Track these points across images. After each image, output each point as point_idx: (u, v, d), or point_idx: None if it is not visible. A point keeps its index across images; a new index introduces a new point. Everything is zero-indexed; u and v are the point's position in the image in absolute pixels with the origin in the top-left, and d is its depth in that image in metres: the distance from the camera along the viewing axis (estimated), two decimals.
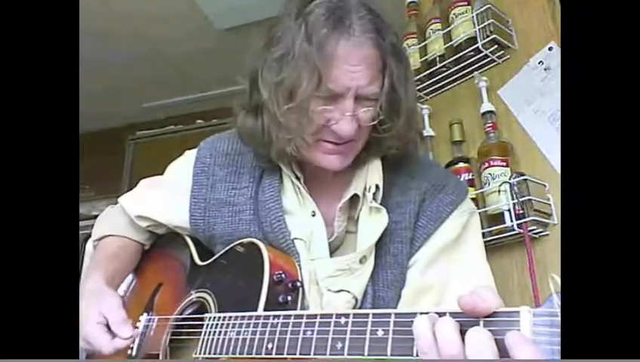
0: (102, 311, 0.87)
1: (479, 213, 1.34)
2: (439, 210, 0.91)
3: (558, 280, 0.48)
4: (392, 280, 0.88)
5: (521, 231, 1.29)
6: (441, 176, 0.97)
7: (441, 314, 0.54)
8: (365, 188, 0.90)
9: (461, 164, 1.47)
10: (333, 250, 0.91)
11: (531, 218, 1.27)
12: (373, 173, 0.91)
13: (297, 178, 0.92)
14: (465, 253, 0.91)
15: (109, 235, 1.07)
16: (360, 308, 0.86)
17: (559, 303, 0.47)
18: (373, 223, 0.88)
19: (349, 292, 0.85)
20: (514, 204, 1.30)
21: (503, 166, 1.37)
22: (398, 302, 0.88)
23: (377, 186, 0.89)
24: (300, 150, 0.87)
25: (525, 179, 1.31)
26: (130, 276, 1.08)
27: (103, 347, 0.84)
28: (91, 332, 0.85)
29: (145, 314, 0.97)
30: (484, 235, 1.30)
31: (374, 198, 0.89)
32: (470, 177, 1.45)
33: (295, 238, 0.88)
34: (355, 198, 0.91)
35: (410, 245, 0.89)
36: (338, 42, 0.80)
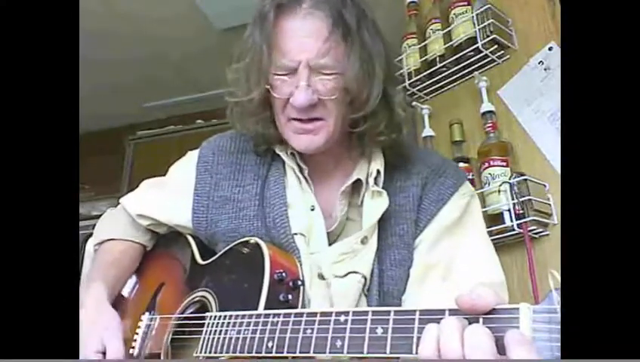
0: (103, 339, 0.87)
1: None
2: (441, 192, 0.93)
3: (558, 276, 0.48)
4: (400, 259, 0.90)
5: (521, 231, 1.30)
6: (441, 162, 0.99)
7: (440, 312, 0.55)
8: (368, 174, 0.93)
9: (461, 164, 1.47)
10: (334, 239, 0.93)
11: (531, 218, 1.28)
12: (375, 160, 0.94)
13: (301, 170, 0.94)
14: (468, 231, 0.93)
15: (110, 239, 1.07)
16: (369, 287, 0.87)
17: (559, 299, 0.47)
18: (374, 205, 0.90)
19: (356, 273, 0.86)
20: (514, 204, 1.30)
21: (503, 166, 1.37)
22: (407, 281, 0.89)
23: (379, 171, 0.92)
24: (280, 132, 0.92)
25: (525, 179, 1.31)
26: (134, 278, 1.08)
27: None
28: (91, 359, 0.86)
29: (147, 314, 0.97)
30: None
31: (376, 183, 0.91)
32: (470, 177, 1.45)
33: (295, 233, 0.89)
34: (357, 184, 0.93)
35: (414, 226, 0.91)
36: (286, 17, 0.85)
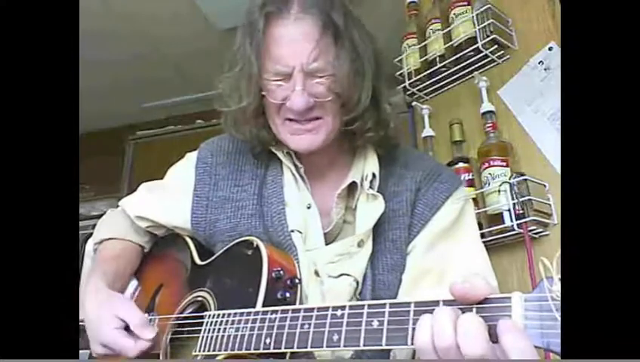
0: (118, 314, 0.86)
1: (479, 213, 1.35)
2: (435, 197, 0.93)
3: (549, 264, 0.48)
4: (392, 264, 0.90)
5: (521, 231, 1.30)
6: (435, 167, 0.99)
7: (434, 303, 0.55)
8: (362, 177, 0.93)
9: (461, 164, 1.47)
10: (331, 240, 0.93)
11: (531, 218, 1.28)
12: (369, 163, 0.94)
13: (297, 169, 0.95)
14: (462, 237, 0.93)
15: (110, 238, 1.07)
16: (360, 291, 0.87)
17: (550, 287, 0.48)
18: (370, 209, 0.90)
19: (349, 275, 0.87)
20: (514, 204, 1.30)
21: (503, 166, 1.37)
22: (399, 286, 0.89)
23: (374, 174, 0.92)
24: (276, 134, 0.92)
25: (525, 179, 1.31)
26: (134, 280, 1.08)
27: (129, 350, 0.84)
28: (112, 337, 0.85)
29: (146, 315, 0.97)
30: (484, 235, 1.31)
31: (371, 186, 0.91)
32: (470, 177, 1.45)
33: (292, 231, 0.90)
34: (352, 187, 0.93)
35: (408, 231, 0.91)
36: (276, 23, 0.86)
